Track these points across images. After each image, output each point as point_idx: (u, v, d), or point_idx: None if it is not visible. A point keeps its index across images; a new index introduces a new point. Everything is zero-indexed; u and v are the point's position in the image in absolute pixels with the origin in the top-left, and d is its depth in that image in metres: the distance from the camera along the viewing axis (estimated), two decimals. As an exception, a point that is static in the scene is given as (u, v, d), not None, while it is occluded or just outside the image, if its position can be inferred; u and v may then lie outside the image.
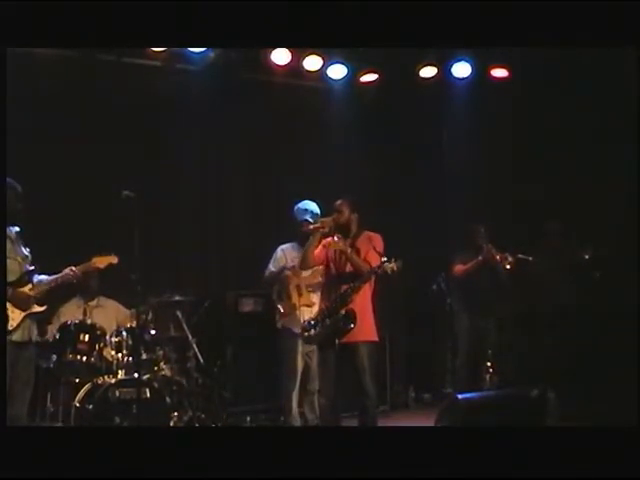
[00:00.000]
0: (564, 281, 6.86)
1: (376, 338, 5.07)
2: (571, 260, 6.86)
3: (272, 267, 6.08)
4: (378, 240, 5.06)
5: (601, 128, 6.90)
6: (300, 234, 5.91)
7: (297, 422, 6.02)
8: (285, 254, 6.08)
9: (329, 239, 5.09)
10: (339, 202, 5.10)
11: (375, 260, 4.91)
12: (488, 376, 7.10)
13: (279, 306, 6.04)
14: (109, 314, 6.19)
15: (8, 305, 4.63)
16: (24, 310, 4.72)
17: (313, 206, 6.00)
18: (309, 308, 5.82)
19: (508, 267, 6.85)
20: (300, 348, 5.88)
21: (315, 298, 5.83)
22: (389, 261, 4.82)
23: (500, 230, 7.08)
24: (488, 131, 7.58)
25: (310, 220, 5.84)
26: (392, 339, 7.53)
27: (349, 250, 4.98)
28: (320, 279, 5.71)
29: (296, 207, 6.06)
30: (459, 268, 6.98)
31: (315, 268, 5.61)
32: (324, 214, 5.74)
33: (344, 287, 4.91)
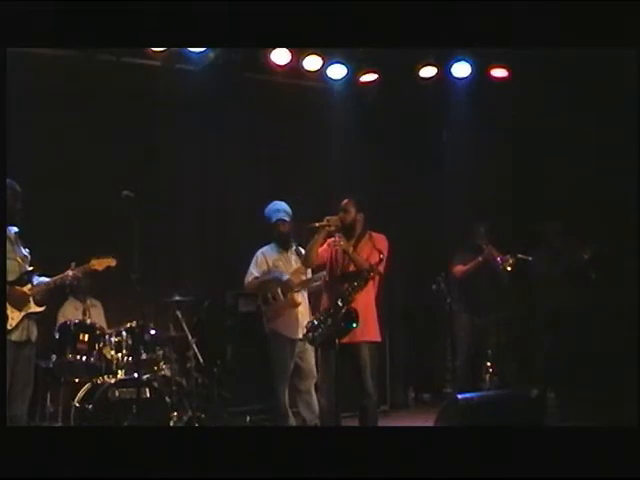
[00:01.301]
0: (564, 281, 6.85)
1: (379, 338, 5.07)
2: (571, 260, 6.86)
3: (255, 272, 5.90)
4: (381, 240, 5.05)
5: (601, 128, 6.90)
6: (276, 235, 5.86)
7: (290, 423, 5.96)
8: (266, 257, 5.91)
9: (333, 238, 5.06)
10: (345, 201, 5.04)
11: (376, 260, 4.89)
12: (488, 376, 7.11)
13: (265, 310, 5.96)
14: (102, 314, 6.22)
15: (7, 305, 4.62)
16: (20, 309, 4.70)
17: (285, 206, 5.88)
18: (295, 309, 5.77)
19: (509, 269, 6.85)
20: (289, 349, 5.72)
21: (300, 297, 5.76)
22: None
23: (500, 230, 7.08)
24: (488, 131, 7.57)
25: (286, 219, 5.79)
26: (392, 339, 7.53)
27: (351, 249, 4.96)
28: (303, 277, 5.70)
29: (267, 208, 5.90)
30: (459, 268, 6.99)
31: (297, 267, 5.63)
32: (294, 214, 5.77)
33: (346, 286, 4.88)
